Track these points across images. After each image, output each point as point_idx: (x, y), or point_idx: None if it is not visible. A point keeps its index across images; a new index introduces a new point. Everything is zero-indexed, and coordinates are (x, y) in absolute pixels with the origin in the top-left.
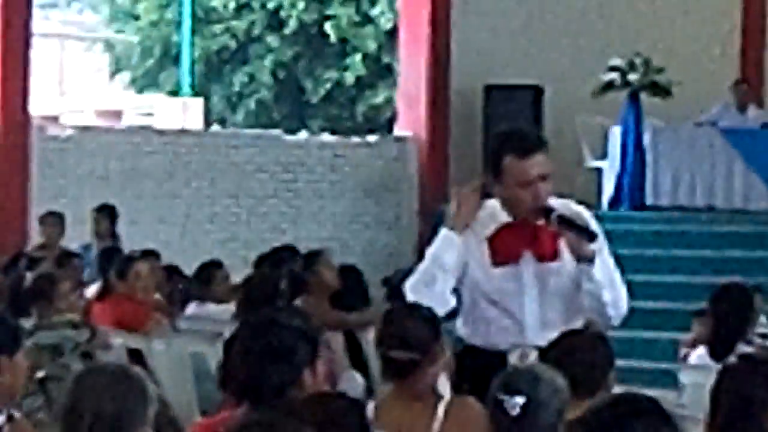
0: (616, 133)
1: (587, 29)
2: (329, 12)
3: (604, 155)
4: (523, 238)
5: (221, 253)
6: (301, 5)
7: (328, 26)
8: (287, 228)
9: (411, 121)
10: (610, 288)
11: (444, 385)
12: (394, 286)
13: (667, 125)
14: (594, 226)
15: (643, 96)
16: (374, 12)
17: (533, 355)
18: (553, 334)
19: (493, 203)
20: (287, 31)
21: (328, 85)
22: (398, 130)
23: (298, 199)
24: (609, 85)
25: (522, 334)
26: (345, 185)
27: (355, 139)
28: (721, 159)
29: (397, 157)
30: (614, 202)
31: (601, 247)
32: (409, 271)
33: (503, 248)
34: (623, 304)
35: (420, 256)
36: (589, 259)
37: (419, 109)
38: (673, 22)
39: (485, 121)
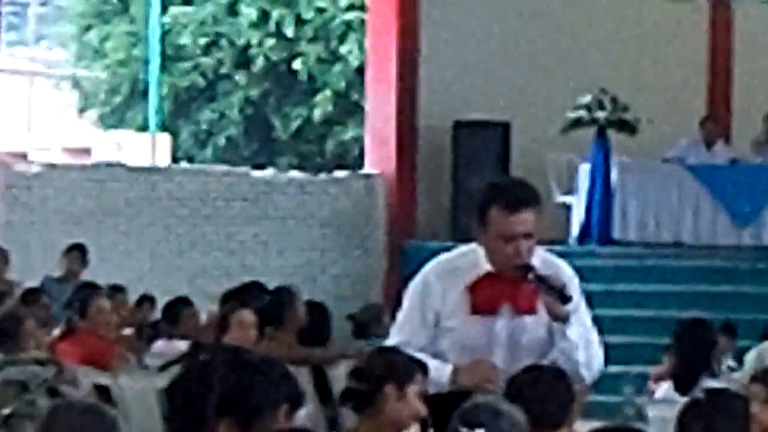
0: (584, 169)
1: (555, 66)
2: (298, 50)
3: (572, 191)
4: (503, 290)
5: (189, 289)
6: (269, 43)
7: (296, 64)
8: (256, 264)
9: (379, 158)
10: (585, 348)
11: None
12: (360, 322)
13: (634, 161)
14: (573, 285)
15: (611, 133)
16: (343, 50)
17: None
18: None
19: (477, 250)
20: (255, 68)
21: (297, 123)
22: (366, 167)
23: (267, 235)
24: (577, 122)
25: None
26: (313, 222)
27: (323, 176)
28: (689, 195)
29: (366, 194)
30: (582, 238)
31: (577, 307)
32: (376, 308)
33: (482, 298)
34: (597, 364)
35: (386, 293)
36: (563, 319)
37: (387, 146)
38: (641, 60)
39: (453, 157)
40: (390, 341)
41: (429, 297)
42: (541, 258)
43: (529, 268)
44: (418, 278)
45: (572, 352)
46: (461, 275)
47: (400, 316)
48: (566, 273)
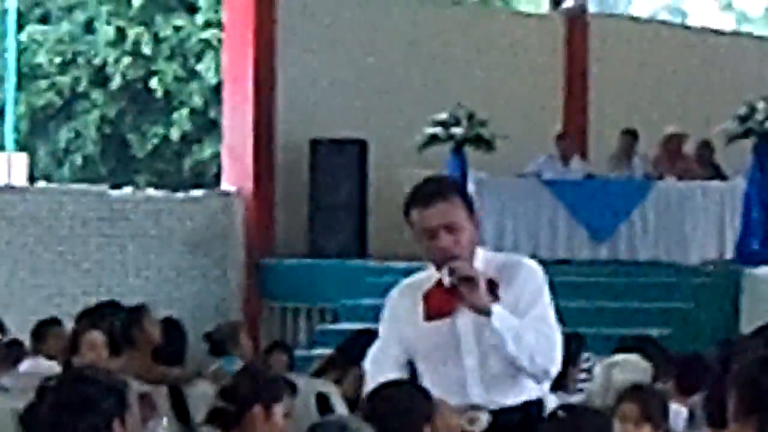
0: None
1: (411, 83)
2: (154, 68)
3: None
4: (455, 292)
5: (47, 309)
6: (126, 61)
7: (153, 82)
8: (113, 283)
9: (237, 176)
10: (516, 341)
11: None
12: (216, 340)
13: (491, 177)
14: (529, 279)
15: (468, 149)
16: (200, 68)
17: (484, 419)
18: (501, 393)
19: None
20: (112, 87)
21: (155, 140)
22: (224, 185)
23: (124, 253)
24: (433, 139)
25: (465, 393)
26: (171, 240)
27: (181, 194)
28: (545, 210)
29: (223, 212)
30: None
31: (532, 301)
32: (232, 326)
33: (435, 302)
34: (542, 360)
35: (247, 309)
36: (484, 312)
37: (245, 164)
38: (497, 76)
39: (311, 175)
40: (367, 377)
41: (394, 316)
42: (490, 257)
43: (452, 258)
44: (386, 302)
45: (503, 345)
46: (419, 287)
47: (374, 345)
48: (522, 267)
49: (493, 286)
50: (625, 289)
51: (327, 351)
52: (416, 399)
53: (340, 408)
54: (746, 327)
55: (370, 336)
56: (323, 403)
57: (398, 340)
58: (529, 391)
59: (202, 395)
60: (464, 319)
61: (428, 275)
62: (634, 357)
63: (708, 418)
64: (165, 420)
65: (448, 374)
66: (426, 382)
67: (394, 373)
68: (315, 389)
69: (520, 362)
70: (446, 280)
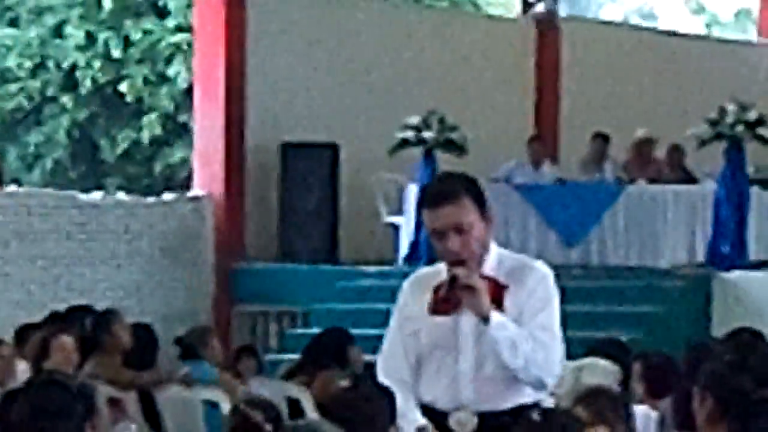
0: (412, 189)
1: (383, 87)
2: (125, 72)
3: (400, 211)
4: (464, 291)
5: (16, 315)
6: (96, 65)
7: (123, 86)
8: (84, 287)
9: (207, 180)
10: (512, 351)
11: None
12: (186, 344)
13: None
14: (540, 286)
15: (439, 153)
16: (170, 71)
17: (473, 421)
18: (493, 397)
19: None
20: (82, 90)
21: (125, 145)
22: (194, 189)
23: (94, 258)
24: (404, 143)
25: (457, 393)
26: (141, 244)
27: (151, 199)
28: (516, 214)
29: (194, 216)
30: (411, 258)
31: (537, 308)
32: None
33: (443, 299)
34: (537, 371)
35: (217, 313)
36: (483, 318)
37: (215, 168)
38: (468, 80)
39: (282, 178)
40: (378, 368)
41: (404, 306)
42: (504, 255)
43: (459, 263)
44: (399, 294)
45: (500, 352)
46: (431, 280)
47: (387, 333)
48: (534, 272)
49: (500, 289)
50: (596, 293)
51: (297, 356)
52: (381, 403)
53: (311, 412)
54: (717, 331)
55: (336, 336)
56: (294, 407)
57: (402, 342)
58: (526, 395)
59: (172, 399)
60: (467, 319)
61: (441, 267)
62: (603, 361)
63: (676, 422)
64: (134, 427)
65: (443, 373)
66: (422, 378)
67: (405, 378)
68: (285, 393)
69: (516, 371)
70: (442, 291)
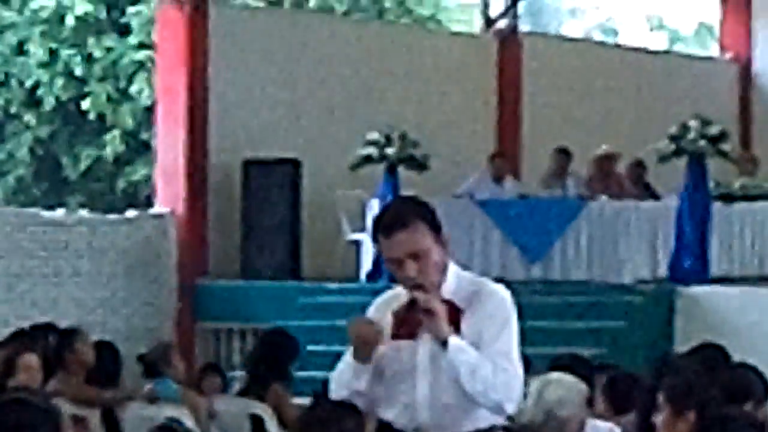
0: (374, 206)
1: (344, 104)
2: (87, 89)
3: (362, 228)
4: (423, 315)
5: None
6: (59, 82)
7: (86, 103)
8: (46, 306)
9: (169, 197)
10: (470, 376)
11: None
12: (149, 362)
13: (424, 198)
14: (495, 308)
15: (401, 169)
16: (132, 89)
17: None
18: (450, 422)
19: None
20: (45, 108)
21: (88, 162)
22: (157, 206)
23: (57, 275)
24: (366, 159)
25: (414, 416)
26: (103, 262)
27: (113, 216)
28: (478, 230)
29: (156, 233)
30: (373, 275)
31: (495, 333)
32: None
33: (403, 323)
34: (496, 396)
35: (181, 331)
36: (442, 342)
37: (177, 185)
38: (429, 96)
39: (244, 195)
40: (333, 380)
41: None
42: (462, 278)
43: (418, 287)
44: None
45: (457, 377)
46: (394, 303)
47: (348, 348)
48: (491, 296)
49: (457, 313)
50: (558, 309)
51: None
52: (346, 419)
53: (274, 429)
54: (680, 346)
55: (274, 346)
56: (257, 424)
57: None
58: (482, 420)
59: (135, 417)
60: (424, 344)
61: (401, 292)
62: (568, 376)
63: None
64: None
65: (401, 397)
66: (382, 399)
67: (362, 390)
68: (249, 411)
69: (475, 396)
70: (401, 314)
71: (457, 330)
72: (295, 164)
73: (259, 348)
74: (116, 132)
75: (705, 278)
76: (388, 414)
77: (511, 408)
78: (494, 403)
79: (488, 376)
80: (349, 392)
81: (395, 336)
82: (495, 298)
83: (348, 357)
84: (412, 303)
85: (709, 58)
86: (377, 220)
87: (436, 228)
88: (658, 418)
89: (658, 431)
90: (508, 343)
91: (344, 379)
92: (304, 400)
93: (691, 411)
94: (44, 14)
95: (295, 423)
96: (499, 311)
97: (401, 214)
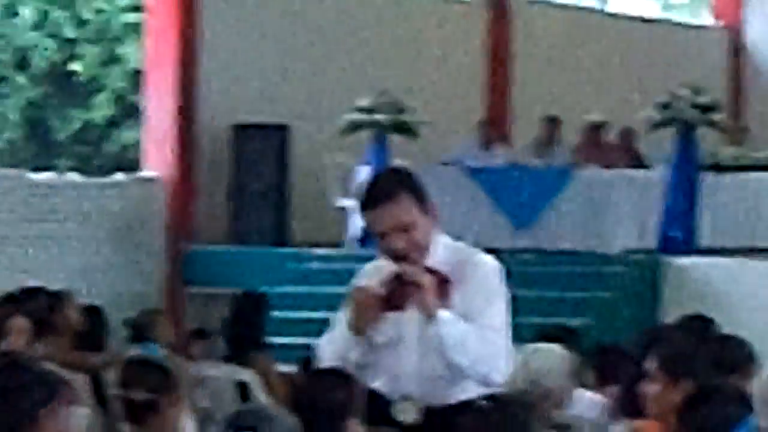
0: (363, 172)
1: (334, 69)
2: (77, 51)
3: (351, 194)
4: (410, 287)
5: None
6: (48, 44)
7: (76, 65)
8: (34, 267)
9: (158, 161)
10: (456, 348)
11: (189, 429)
12: (137, 326)
13: (414, 164)
14: (483, 279)
15: (390, 135)
16: (122, 51)
17: (417, 411)
18: (437, 392)
19: None
20: (35, 70)
21: (77, 125)
22: (145, 170)
23: (45, 238)
24: (356, 125)
25: (401, 387)
26: (92, 225)
27: (102, 179)
28: (467, 197)
29: (144, 197)
30: (363, 240)
31: (483, 303)
32: (153, 313)
33: (390, 295)
34: (483, 368)
35: (169, 296)
36: (428, 316)
37: (166, 149)
38: (419, 62)
39: (233, 160)
40: (322, 348)
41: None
42: (451, 248)
43: (403, 258)
44: (355, 281)
45: (443, 350)
46: (380, 273)
47: (339, 315)
48: (481, 266)
49: (446, 283)
50: (546, 279)
51: None
52: (339, 388)
53: (261, 396)
54: (667, 317)
55: (250, 306)
56: (243, 391)
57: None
58: (470, 391)
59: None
60: (411, 317)
61: (387, 262)
62: (555, 345)
63: (625, 407)
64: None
65: (388, 367)
66: (368, 368)
67: (352, 359)
68: (235, 377)
69: (462, 368)
70: (388, 287)
71: (446, 300)
72: (284, 129)
73: (229, 312)
74: (106, 95)
75: (693, 249)
76: (375, 383)
77: (499, 379)
78: (482, 375)
79: (476, 348)
80: (342, 363)
81: (382, 307)
82: (484, 268)
83: (342, 327)
84: (399, 275)
85: (700, 27)
86: (361, 195)
87: (422, 199)
88: (650, 388)
89: (648, 401)
90: (497, 315)
91: (336, 349)
92: (291, 368)
93: (688, 379)
94: None
95: (285, 391)
96: (487, 282)
97: (386, 187)
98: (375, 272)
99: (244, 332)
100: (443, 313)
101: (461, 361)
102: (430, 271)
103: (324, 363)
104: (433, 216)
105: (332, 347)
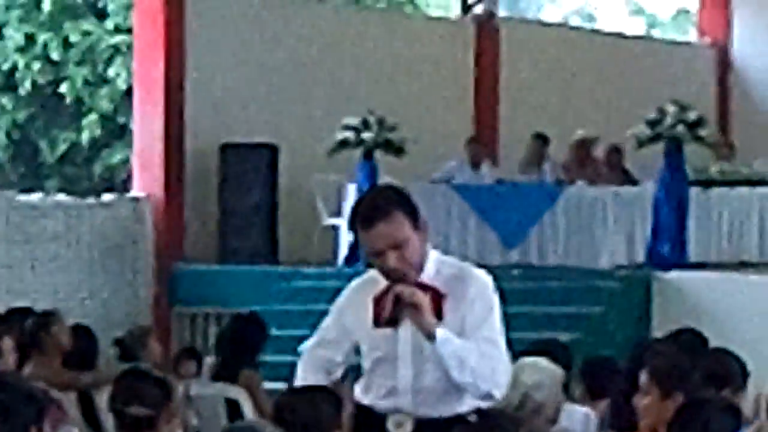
0: (351, 191)
1: (322, 88)
2: (64, 73)
3: (339, 213)
4: (406, 305)
5: None
6: (36, 66)
7: (63, 87)
8: (23, 288)
9: (147, 181)
10: (459, 367)
11: None
12: (126, 345)
13: (401, 183)
14: (479, 296)
15: (378, 154)
16: (110, 73)
17: (411, 424)
18: (432, 406)
19: None
20: (22, 92)
21: (64, 146)
22: (134, 190)
23: (34, 259)
24: (344, 144)
25: (396, 401)
26: (81, 245)
27: (91, 200)
28: (456, 215)
29: (133, 217)
30: (350, 259)
31: (479, 320)
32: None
33: (383, 310)
34: (485, 385)
35: (157, 315)
36: (428, 336)
37: (154, 169)
38: (407, 80)
39: (221, 180)
40: (303, 357)
41: (346, 307)
42: (443, 262)
43: (401, 279)
44: (345, 291)
45: (447, 369)
46: (374, 287)
47: (322, 324)
48: (474, 281)
49: (439, 299)
50: (535, 294)
51: None
52: (325, 406)
53: (250, 413)
54: (657, 331)
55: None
56: (233, 408)
57: (342, 327)
58: (465, 404)
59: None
60: (406, 332)
61: (378, 276)
62: (545, 360)
63: (615, 422)
64: (75, 430)
65: (382, 382)
66: (363, 379)
67: (330, 356)
68: (224, 395)
69: (464, 386)
70: (385, 308)
71: (439, 315)
72: (272, 149)
73: (229, 331)
74: (93, 116)
75: (682, 264)
76: (368, 399)
77: (499, 394)
78: (483, 392)
79: (476, 365)
80: (328, 365)
81: (376, 324)
82: (477, 283)
83: (329, 333)
84: (397, 299)
85: (687, 44)
86: (355, 211)
87: (414, 215)
88: (642, 401)
89: (640, 414)
90: (492, 330)
91: (323, 354)
92: (279, 385)
93: (680, 392)
94: None
95: (270, 408)
96: (482, 296)
97: (379, 205)
98: (366, 285)
99: (241, 352)
100: (441, 332)
101: (464, 380)
102: (424, 286)
103: (306, 367)
104: (425, 231)
105: (320, 352)
